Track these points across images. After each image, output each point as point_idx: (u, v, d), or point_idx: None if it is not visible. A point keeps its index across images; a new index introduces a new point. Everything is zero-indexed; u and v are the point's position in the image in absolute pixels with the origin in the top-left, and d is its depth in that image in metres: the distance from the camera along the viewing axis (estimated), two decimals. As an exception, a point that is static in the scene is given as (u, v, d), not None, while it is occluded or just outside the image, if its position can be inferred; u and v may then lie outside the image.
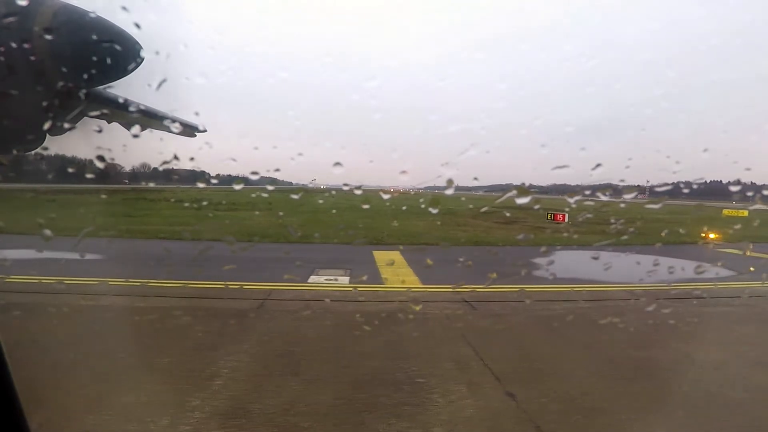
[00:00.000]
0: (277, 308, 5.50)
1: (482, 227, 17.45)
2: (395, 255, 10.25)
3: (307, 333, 4.59)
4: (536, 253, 11.62)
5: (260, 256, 9.31)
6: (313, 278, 7.59)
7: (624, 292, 7.44)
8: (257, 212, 19.77)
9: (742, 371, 4.00)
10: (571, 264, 10.55)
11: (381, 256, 10.18)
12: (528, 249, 12.66)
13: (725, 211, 29.39)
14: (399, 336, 4.59)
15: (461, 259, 10.23)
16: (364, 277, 7.87)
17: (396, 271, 8.54)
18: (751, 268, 11.38)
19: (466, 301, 6.30)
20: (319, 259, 9.03)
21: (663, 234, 13.80)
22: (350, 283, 7.45)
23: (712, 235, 13.39)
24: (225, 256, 8.83)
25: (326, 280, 7.60)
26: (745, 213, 26.90)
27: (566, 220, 18.08)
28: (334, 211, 18.63)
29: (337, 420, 2.90)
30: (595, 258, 10.80)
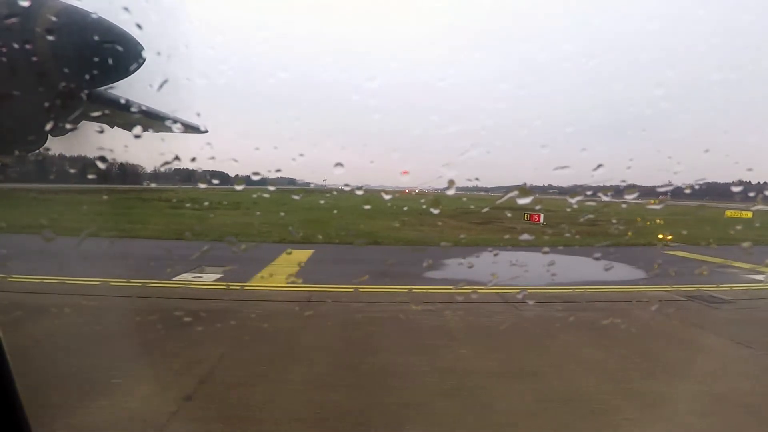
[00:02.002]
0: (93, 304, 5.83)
1: (448, 227, 17.55)
2: (306, 254, 10.37)
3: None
4: (464, 253, 11.81)
5: (166, 254, 9.54)
6: (182, 276, 7.94)
7: (486, 293, 7.53)
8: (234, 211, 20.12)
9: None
10: (482, 265, 10.59)
11: (291, 255, 10.38)
12: (461, 249, 12.70)
13: (728, 212, 29.13)
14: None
15: (369, 258, 10.44)
16: (234, 275, 8.17)
17: (278, 270, 8.76)
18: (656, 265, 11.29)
19: (307, 301, 6.66)
20: (222, 257, 9.32)
21: (627, 235, 14.02)
22: (216, 281, 7.77)
23: (669, 237, 13.44)
24: (150, 254, 9.11)
25: (193, 278, 7.92)
26: (749, 214, 26.71)
27: (541, 220, 18.25)
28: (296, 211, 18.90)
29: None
30: (514, 259, 11.04)
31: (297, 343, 4.89)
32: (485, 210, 20.75)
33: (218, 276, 8.07)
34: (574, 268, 10.17)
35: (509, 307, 6.74)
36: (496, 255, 11.27)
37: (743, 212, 27.27)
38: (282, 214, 18.40)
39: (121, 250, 9.59)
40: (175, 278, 7.77)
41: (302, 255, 10.40)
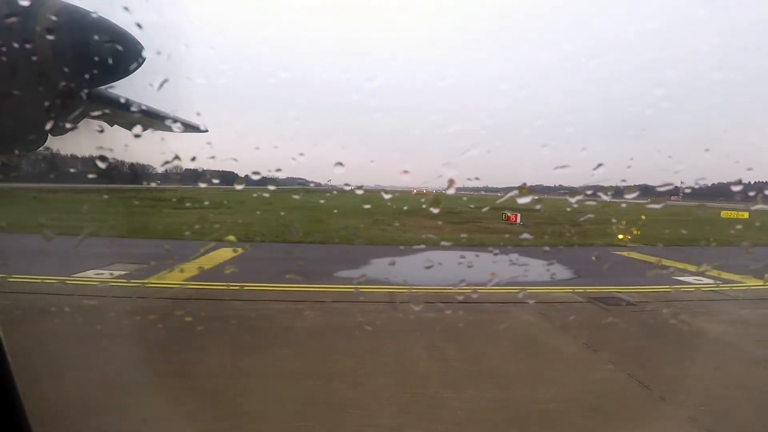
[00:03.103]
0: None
1: (419, 226, 17.63)
2: (227, 252, 10.47)
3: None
4: (406, 252, 11.83)
5: (97, 251, 9.58)
6: (85, 273, 8.08)
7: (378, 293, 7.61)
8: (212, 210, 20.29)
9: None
10: (405, 265, 10.72)
11: (217, 252, 10.35)
12: (409, 248, 12.71)
13: (723, 213, 29.10)
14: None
15: (298, 257, 10.53)
16: (142, 272, 8.36)
17: (189, 267, 8.79)
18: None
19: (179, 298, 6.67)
20: (146, 254, 9.51)
21: (592, 236, 14.10)
22: (118, 277, 7.99)
23: (629, 237, 13.54)
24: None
25: (96, 274, 8.10)
26: (745, 215, 26.70)
27: (518, 220, 18.44)
28: (282, 212, 19.13)
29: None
30: (445, 259, 11.17)
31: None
32: (471, 209, 20.83)
33: (123, 273, 8.20)
34: (500, 267, 10.17)
35: (386, 307, 6.76)
36: (431, 255, 11.39)
37: (739, 212, 27.25)
38: (258, 212, 18.56)
39: (51, 248, 9.57)
40: (75, 275, 7.81)
41: (227, 254, 10.36)
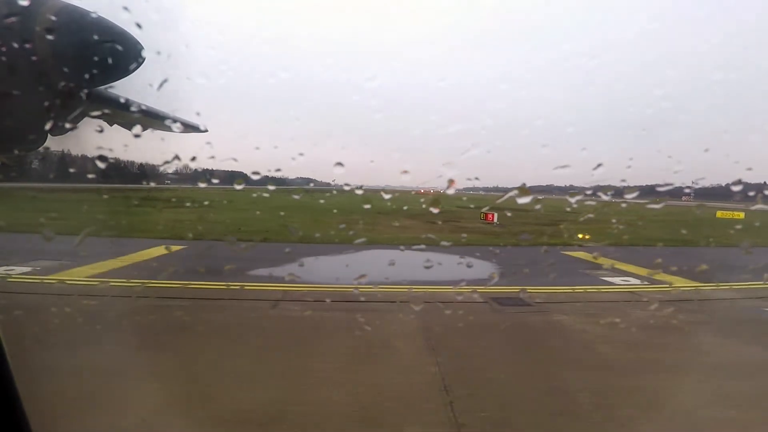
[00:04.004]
0: None
1: (390, 226, 17.59)
2: (159, 250, 10.65)
3: None
4: (350, 250, 12.00)
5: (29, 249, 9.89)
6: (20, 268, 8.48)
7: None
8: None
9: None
10: (331, 264, 10.77)
11: (150, 250, 10.59)
12: (356, 247, 12.88)
13: (719, 213, 29.16)
14: None
15: (229, 256, 10.67)
16: (48, 268, 8.52)
17: (108, 264, 9.03)
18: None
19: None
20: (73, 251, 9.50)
21: (562, 235, 14.18)
22: (21, 274, 8.20)
23: (587, 237, 13.63)
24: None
25: (5, 270, 8.51)
26: (741, 215, 26.74)
27: (495, 220, 18.67)
28: (258, 212, 19.18)
29: None
30: (377, 258, 11.04)
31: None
32: (460, 209, 20.85)
33: (32, 269, 8.42)
34: (422, 266, 10.24)
35: (255, 305, 6.80)
36: (371, 253, 11.46)
37: (735, 213, 27.31)
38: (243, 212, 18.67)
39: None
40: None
41: (160, 251, 10.46)
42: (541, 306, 7.30)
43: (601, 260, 11.70)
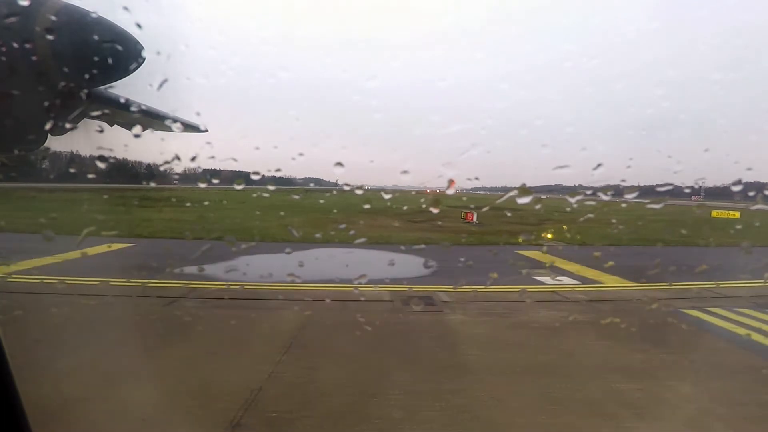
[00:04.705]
0: None
1: (367, 225, 17.64)
2: (102, 248, 10.74)
3: None
4: (298, 248, 11.88)
5: None
6: None
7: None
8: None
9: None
10: (258, 262, 10.76)
11: (95, 248, 10.58)
12: (307, 245, 12.83)
13: (714, 212, 29.25)
14: None
15: (167, 254, 10.77)
16: None
17: (36, 262, 9.12)
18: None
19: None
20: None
21: (528, 235, 14.24)
22: None
23: (551, 236, 13.77)
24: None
25: None
26: (736, 215, 26.80)
27: (474, 219, 18.91)
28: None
29: None
30: (319, 256, 11.01)
31: None
32: (448, 208, 20.89)
33: None
34: (375, 265, 10.16)
35: (149, 302, 6.82)
36: (316, 253, 11.40)
37: (730, 212, 27.38)
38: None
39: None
40: None
41: (102, 249, 10.50)
42: (446, 305, 7.27)
43: (550, 259, 11.65)
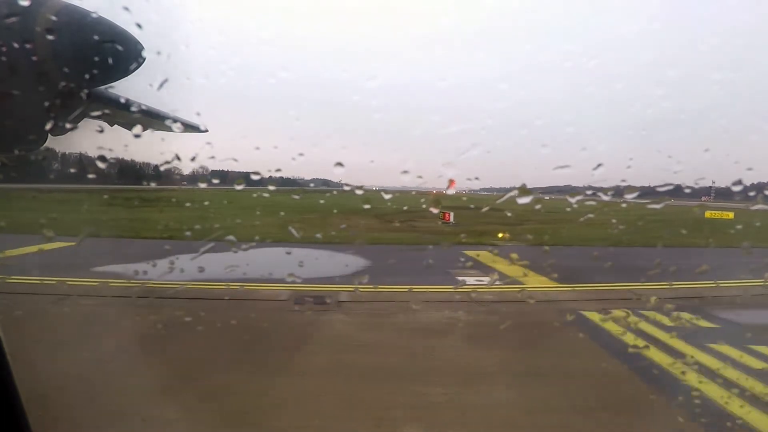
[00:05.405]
0: None
1: (341, 224, 17.62)
2: (33, 248, 10.91)
3: None
4: (243, 247, 11.79)
5: None
6: None
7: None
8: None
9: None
10: (189, 262, 10.73)
11: (35, 247, 10.76)
12: (249, 244, 12.87)
13: (707, 213, 29.33)
14: None
15: (96, 252, 11.01)
16: None
17: None
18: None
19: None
20: None
21: (498, 235, 14.35)
22: None
23: (506, 236, 13.91)
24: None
25: None
26: (730, 215, 26.88)
27: (450, 219, 19.19)
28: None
29: None
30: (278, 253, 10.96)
31: None
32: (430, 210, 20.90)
33: None
34: (282, 264, 10.09)
35: (37, 299, 6.93)
36: (256, 252, 11.39)
37: (724, 213, 27.42)
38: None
39: None
40: None
41: (45, 247, 10.67)
42: (339, 305, 7.31)
43: (493, 259, 11.64)
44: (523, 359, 5.27)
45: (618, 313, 7.11)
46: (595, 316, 7.01)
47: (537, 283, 9.18)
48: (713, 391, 4.50)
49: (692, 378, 4.82)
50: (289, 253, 10.38)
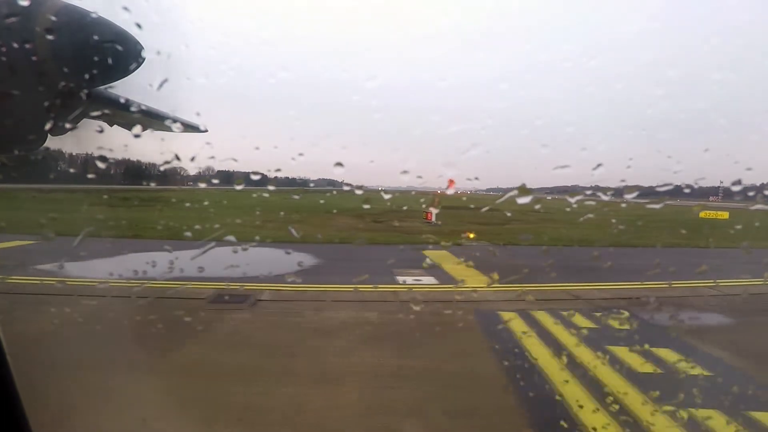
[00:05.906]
0: None
1: (323, 224, 17.45)
2: (15, 244, 11.11)
3: None
4: (200, 246, 11.91)
5: None
6: None
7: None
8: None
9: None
10: (143, 260, 10.62)
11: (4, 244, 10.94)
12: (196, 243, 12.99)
13: (702, 213, 29.33)
14: None
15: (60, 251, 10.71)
16: None
17: None
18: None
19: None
20: None
21: (469, 235, 14.40)
22: None
23: (472, 236, 13.97)
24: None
25: None
26: (725, 215, 26.94)
27: (432, 219, 19.49)
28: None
29: None
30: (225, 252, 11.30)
31: None
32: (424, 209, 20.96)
33: None
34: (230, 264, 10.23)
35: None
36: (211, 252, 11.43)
37: (719, 213, 27.36)
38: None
39: None
40: None
41: (13, 245, 10.80)
42: (256, 304, 7.19)
43: (446, 260, 11.54)
44: (399, 360, 5.14)
45: (537, 314, 6.94)
46: (507, 316, 6.85)
47: (475, 283, 8.82)
48: (571, 392, 4.44)
49: (558, 377, 4.75)
50: (245, 250, 10.25)
